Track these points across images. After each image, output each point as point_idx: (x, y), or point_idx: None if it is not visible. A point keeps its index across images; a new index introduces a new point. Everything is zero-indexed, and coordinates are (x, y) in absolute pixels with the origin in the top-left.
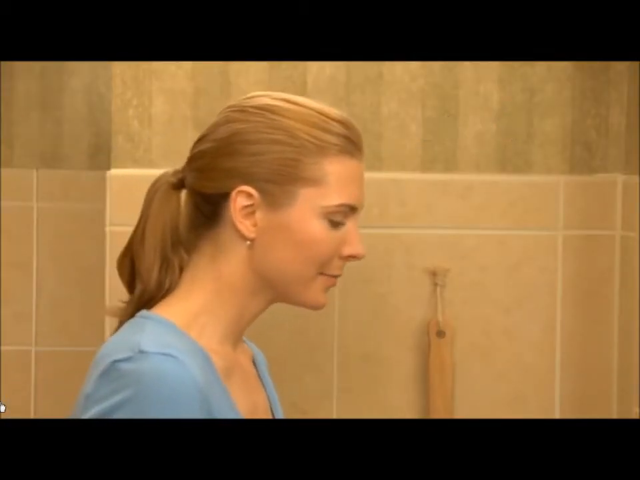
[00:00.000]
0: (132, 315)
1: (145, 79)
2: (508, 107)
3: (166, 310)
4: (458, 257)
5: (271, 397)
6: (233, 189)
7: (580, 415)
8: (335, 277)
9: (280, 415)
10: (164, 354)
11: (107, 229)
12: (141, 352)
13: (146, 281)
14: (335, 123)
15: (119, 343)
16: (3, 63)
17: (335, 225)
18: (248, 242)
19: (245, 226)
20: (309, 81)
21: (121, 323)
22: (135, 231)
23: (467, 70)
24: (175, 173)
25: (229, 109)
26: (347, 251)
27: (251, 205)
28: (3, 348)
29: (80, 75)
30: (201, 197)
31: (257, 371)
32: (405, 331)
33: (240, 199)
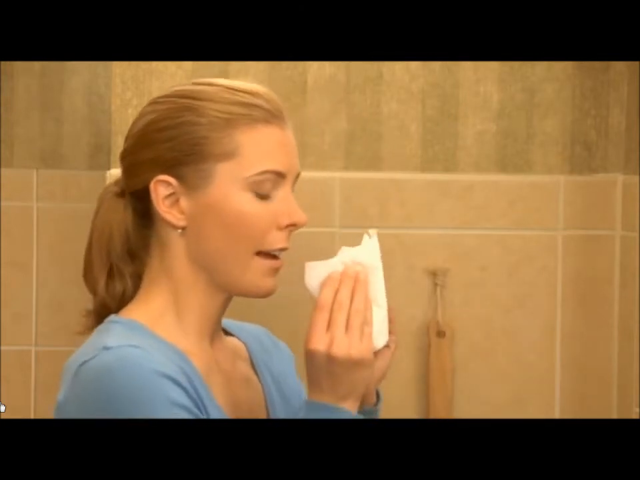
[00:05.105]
0: (93, 328)
1: (145, 79)
2: (508, 106)
3: (130, 313)
4: (458, 256)
5: (266, 390)
6: (153, 180)
7: (580, 415)
8: (277, 255)
9: (279, 406)
10: (128, 345)
11: None
12: (105, 348)
13: (96, 291)
14: (243, 94)
15: (85, 347)
16: (2, 62)
17: (263, 196)
18: (179, 231)
19: (172, 215)
20: (309, 80)
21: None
22: (87, 244)
23: (467, 70)
24: (117, 182)
25: (145, 105)
26: (284, 220)
27: (173, 194)
28: (2, 348)
29: (80, 74)
30: (134, 197)
31: (254, 364)
32: (405, 331)
33: (160, 190)
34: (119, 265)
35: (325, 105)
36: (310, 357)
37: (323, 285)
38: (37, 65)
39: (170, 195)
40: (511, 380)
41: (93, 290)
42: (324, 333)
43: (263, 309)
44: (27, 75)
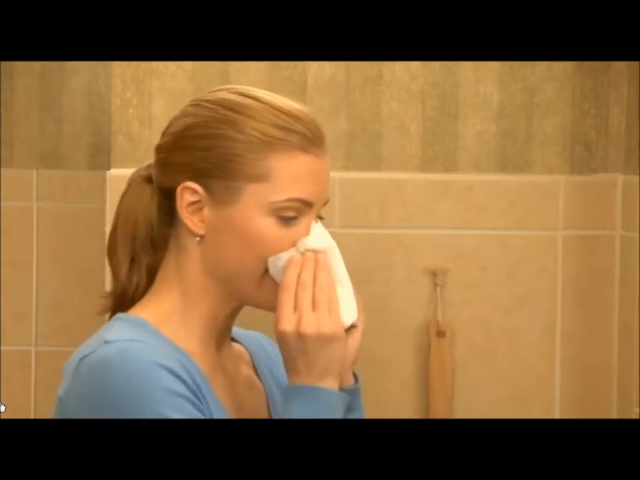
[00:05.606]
0: (112, 309)
1: (145, 79)
2: (508, 106)
3: (138, 310)
4: (458, 256)
5: (269, 394)
6: (181, 184)
7: (580, 415)
8: None
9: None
10: (128, 339)
11: (107, 228)
12: (106, 342)
13: (118, 275)
14: (286, 118)
15: (87, 343)
16: (2, 62)
17: (287, 221)
18: (197, 238)
19: (193, 222)
20: (309, 80)
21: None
22: (112, 225)
23: (467, 70)
24: (148, 166)
25: (188, 103)
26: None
27: (198, 201)
28: (2, 348)
29: (80, 74)
30: (161, 192)
31: (257, 369)
32: (405, 331)
33: (185, 195)
34: (140, 254)
35: (325, 105)
36: (281, 339)
37: (285, 268)
38: (37, 65)
39: (195, 202)
40: (510, 380)
41: (115, 273)
42: (291, 313)
43: (263, 315)
44: (27, 74)
